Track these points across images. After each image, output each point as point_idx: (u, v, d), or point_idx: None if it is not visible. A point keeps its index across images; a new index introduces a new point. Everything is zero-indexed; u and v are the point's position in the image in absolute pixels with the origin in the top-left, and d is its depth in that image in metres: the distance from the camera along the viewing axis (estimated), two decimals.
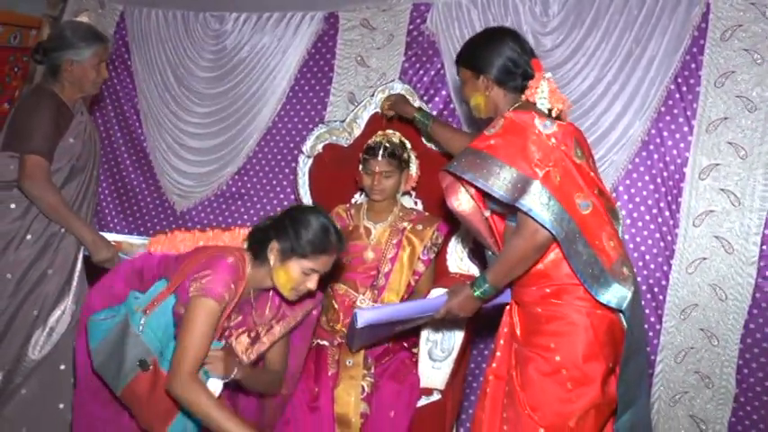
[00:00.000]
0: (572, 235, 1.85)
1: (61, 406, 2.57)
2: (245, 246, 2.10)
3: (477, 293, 2.01)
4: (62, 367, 2.58)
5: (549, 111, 2.01)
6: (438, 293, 2.22)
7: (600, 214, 1.93)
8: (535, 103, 2.02)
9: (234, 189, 3.43)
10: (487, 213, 2.05)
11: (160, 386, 1.93)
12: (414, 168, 2.78)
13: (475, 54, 2.11)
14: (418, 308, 2.19)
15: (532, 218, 1.84)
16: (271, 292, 2.14)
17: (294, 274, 1.99)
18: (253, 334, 2.12)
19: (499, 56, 2.08)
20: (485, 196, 2.00)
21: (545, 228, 1.84)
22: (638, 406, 2.03)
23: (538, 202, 1.82)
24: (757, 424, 2.72)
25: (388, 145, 2.67)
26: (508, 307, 2.13)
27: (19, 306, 2.53)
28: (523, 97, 2.05)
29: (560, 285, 1.94)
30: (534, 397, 1.91)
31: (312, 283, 2.02)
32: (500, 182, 1.86)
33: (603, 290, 1.88)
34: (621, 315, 1.92)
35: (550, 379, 1.90)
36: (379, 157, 2.65)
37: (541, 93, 2.03)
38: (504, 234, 2.06)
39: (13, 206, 2.54)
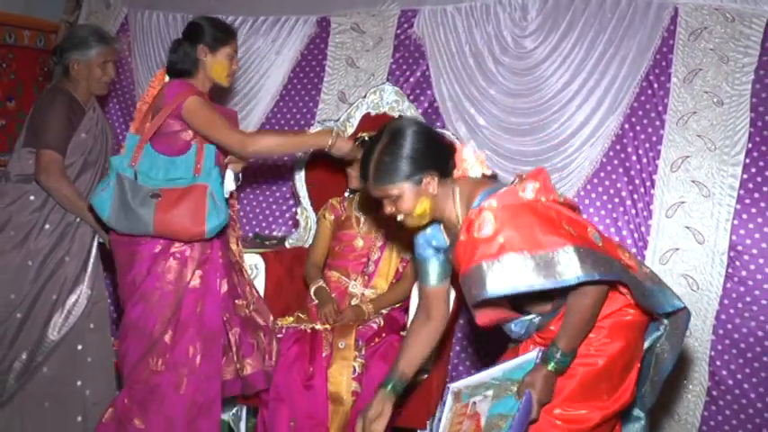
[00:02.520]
0: (620, 271, 1.73)
1: (79, 383, 2.67)
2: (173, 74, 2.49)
3: (552, 368, 1.76)
4: (79, 347, 2.68)
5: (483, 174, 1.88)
6: (513, 400, 1.85)
7: (605, 236, 1.85)
8: (467, 177, 1.87)
9: None
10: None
11: (182, 197, 2.27)
12: None
13: (406, 160, 1.80)
14: (521, 426, 1.80)
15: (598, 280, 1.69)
16: None
17: (226, 60, 2.49)
18: None
19: (431, 145, 1.84)
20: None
21: (611, 281, 1.72)
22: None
23: (591, 264, 1.65)
24: (730, 419, 2.74)
25: None
26: (527, 339, 1.97)
27: (39, 291, 2.62)
28: (456, 174, 1.87)
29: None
30: (566, 402, 1.80)
31: (235, 65, 2.56)
32: (553, 271, 1.64)
33: (653, 300, 1.79)
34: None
35: (588, 390, 1.81)
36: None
37: (470, 162, 1.87)
38: None
39: (32, 198, 2.62)
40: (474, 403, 1.90)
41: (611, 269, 1.69)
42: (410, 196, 1.82)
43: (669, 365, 1.93)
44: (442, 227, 1.96)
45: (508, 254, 1.66)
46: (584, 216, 2.91)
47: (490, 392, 1.90)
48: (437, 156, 1.85)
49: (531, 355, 1.86)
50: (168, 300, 2.35)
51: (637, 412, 2.02)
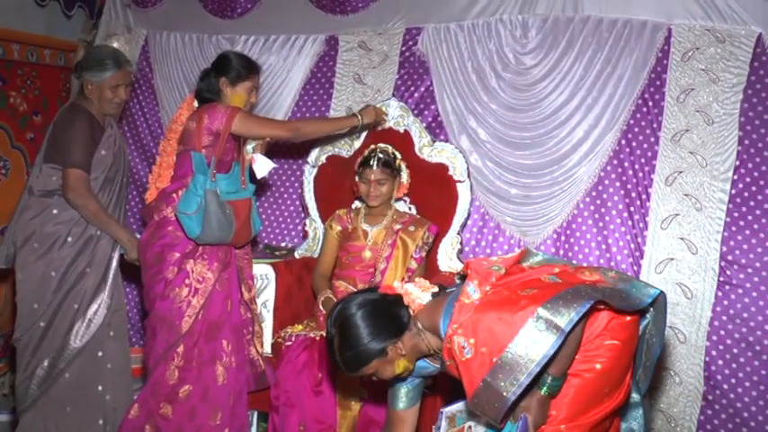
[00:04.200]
0: (591, 291, 1.77)
1: (100, 388, 2.75)
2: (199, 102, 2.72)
3: (545, 392, 1.81)
4: (99, 354, 2.75)
5: (434, 294, 1.94)
6: (510, 424, 1.89)
7: (561, 269, 1.92)
8: (421, 309, 1.92)
9: None
10: None
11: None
12: (404, 176, 2.98)
13: (367, 346, 1.86)
14: None
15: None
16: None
17: (244, 93, 2.71)
18: None
19: (380, 317, 1.89)
20: None
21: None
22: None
23: (565, 309, 1.69)
24: (726, 423, 2.78)
25: (381, 155, 2.88)
26: None
27: (62, 300, 2.69)
28: (413, 313, 1.93)
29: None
30: (570, 420, 1.84)
31: (254, 98, 2.80)
32: (543, 338, 1.67)
33: (631, 299, 1.82)
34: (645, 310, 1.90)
35: (589, 393, 1.85)
36: (374, 167, 2.85)
37: (418, 295, 1.94)
38: None
39: (55, 212, 2.69)
40: (470, 427, 1.97)
41: (581, 296, 1.73)
42: (386, 367, 1.90)
43: (658, 349, 1.99)
44: (424, 358, 2.02)
45: (499, 357, 1.69)
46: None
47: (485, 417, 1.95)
48: (390, 321, 1.90)
49: None
50: (196, 296, 2.56)
51: (635, 398, 2.07)
